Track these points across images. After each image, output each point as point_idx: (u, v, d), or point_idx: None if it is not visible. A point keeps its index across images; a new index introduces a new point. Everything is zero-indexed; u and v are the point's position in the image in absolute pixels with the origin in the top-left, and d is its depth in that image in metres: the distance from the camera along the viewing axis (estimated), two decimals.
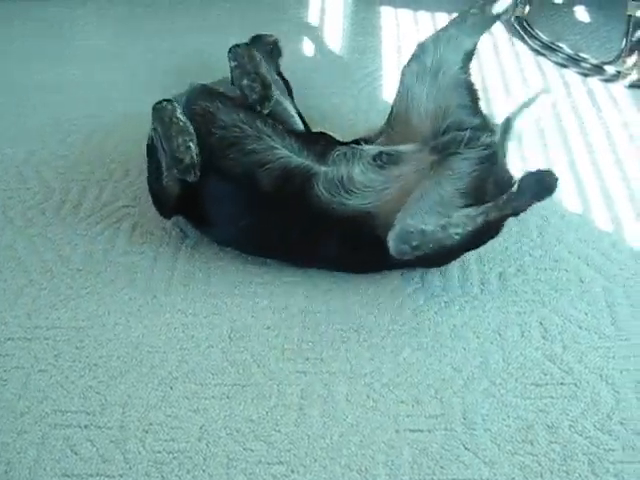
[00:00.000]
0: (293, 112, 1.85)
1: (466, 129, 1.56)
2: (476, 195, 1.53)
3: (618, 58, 2.15)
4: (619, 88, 2.15)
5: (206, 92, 1.76)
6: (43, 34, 2.58)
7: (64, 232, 1.79)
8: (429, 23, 2.51)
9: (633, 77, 2.13)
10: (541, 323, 1.54)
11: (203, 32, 2.52)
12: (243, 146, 1.65)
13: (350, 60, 2.36)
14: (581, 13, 2.50)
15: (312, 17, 2.60)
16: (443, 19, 2.48)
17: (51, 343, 1.53)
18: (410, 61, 1.70)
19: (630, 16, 2.08)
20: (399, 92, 1.70)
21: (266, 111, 1.72)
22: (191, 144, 1.62)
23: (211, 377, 1.47)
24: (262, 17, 2.59)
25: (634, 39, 2.09)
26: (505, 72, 2.25)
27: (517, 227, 1.73)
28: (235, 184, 1.64)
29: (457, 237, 1.48)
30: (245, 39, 1.93)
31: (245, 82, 1.73)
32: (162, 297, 1.62)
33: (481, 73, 2.24)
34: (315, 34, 2.50)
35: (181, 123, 1.65)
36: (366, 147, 1.63)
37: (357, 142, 1.68)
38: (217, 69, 1.92)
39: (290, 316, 1.57)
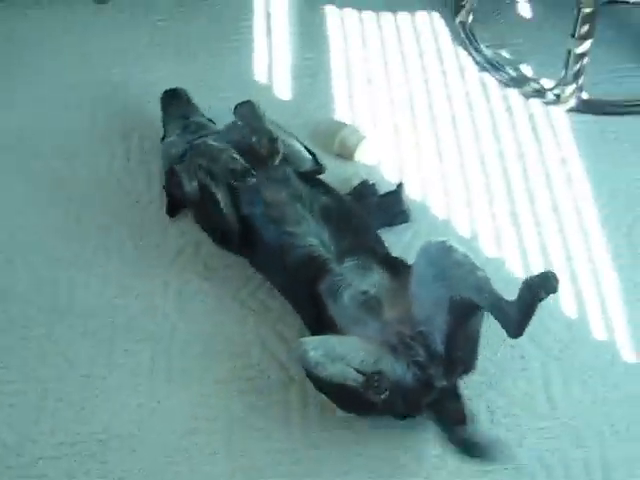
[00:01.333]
0: (300, 148, 2.02)
1: (431, 351, 1.70)
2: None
3: (558, 84, 2.29)
4: (559, 112, 2.31)
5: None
6: None
7: (65, 331, 1.99)
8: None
9: (571, 104, 2.29)
10: (488, 407, 1.82)
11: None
12: (282, 227, 1.88)
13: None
14: (523, 7, 2.57)
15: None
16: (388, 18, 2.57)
17: (78, 459, 1.78)
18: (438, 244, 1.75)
19: (569, 51, 2.20)
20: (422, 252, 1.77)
21: (276, 163, 1.91)
22: (234, 154, 1.91)
23: None
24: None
25: (573, 71, 2.23)
26: (451, 96, 2.38)
27: None
28: (268, 254, 1.92)
29: None
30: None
31: (254, 139, 1.92)
32: (165, 401, 1.86)
33: (427, 93, 2.39)
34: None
35: (214, 147, 1.94)
36: (368, 279, 1.80)
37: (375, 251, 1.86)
38: None
39: (278, 416, 1.83)
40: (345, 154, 2.23)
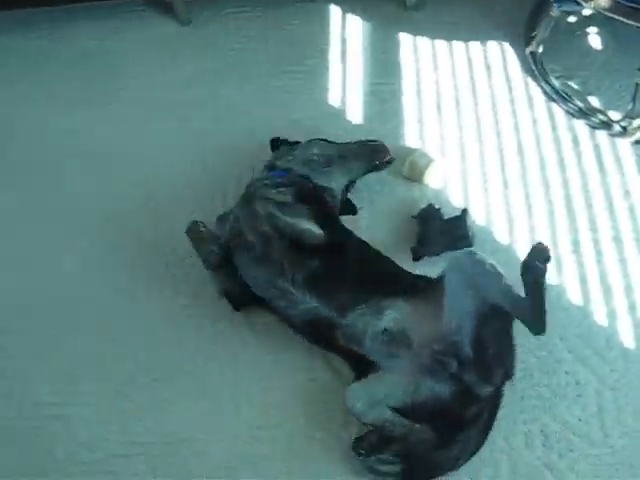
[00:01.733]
0: (306, 224, 2.00)
1: (461, 358, 1.78)
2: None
3: (625, 117, 2.32)
4: (625, 144, 2.34)
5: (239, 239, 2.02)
6: None
7: (139, 335, 2.11)
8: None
9: (637, 136, 2.32)
10: (542, 431, 1.87)
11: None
12: (273, 302, 1.98)
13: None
14: (593, 38, 2.60)
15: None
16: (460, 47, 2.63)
17: (146, 459, 1.90)
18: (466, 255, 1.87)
19: (637, 84, 2.24)
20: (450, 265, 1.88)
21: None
22: (214, 249, 2.01)
23: None
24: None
25: None
26: (519, 125, 2.43)
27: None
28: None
29: None
30: None
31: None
32: (230, 408, 1.96)
33: (496, 122, 2.45)
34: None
35: (203, 235, 2.04)
36: (383, 319, 1.86)
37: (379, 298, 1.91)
38: None
39: (337, 427, 1.91)
40: (414, 176, 2.31)
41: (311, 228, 1.99)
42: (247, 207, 2.03)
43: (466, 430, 1.80)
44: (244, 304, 2.09)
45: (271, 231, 1.96)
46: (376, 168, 2.23)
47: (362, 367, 1.87)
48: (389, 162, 2.23)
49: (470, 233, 2.15)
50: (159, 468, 1.89)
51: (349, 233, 2.07)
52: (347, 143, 2.23)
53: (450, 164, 2.36)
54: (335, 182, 2.17)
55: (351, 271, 1.95)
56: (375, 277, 1.96)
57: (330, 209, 2.12)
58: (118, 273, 2.23)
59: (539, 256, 1.76)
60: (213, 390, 2.00)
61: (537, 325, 1.81)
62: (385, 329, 1.85)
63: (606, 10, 2.06)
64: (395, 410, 1.79)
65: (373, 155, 2.22)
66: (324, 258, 1.96)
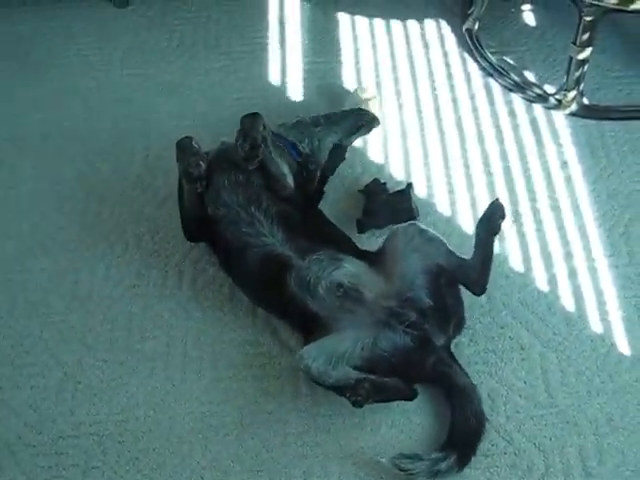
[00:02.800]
0: (286, 171, 2.07)
1: (420, 308, 1.84)
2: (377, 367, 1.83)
3: (560, 90, 2.37)
4: (560, 116, 2.39)
5: (223, 159, 2.05)
6: None
7: (84, 317, 2.08)
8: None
9: (572, 108, 2.38)
10: (489, 395, 1.91)
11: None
12: (239, 227, 1.98)
13: None
14: (527, 15, 2.66)
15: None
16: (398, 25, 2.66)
17: (96, 439, 1.88)
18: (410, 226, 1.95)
19: (571, 58, 2.29)
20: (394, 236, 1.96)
21: (251, 167, 2.00)
22: (201, 162, 1.98)
23: (231, 465, 1.84)
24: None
25: (574, 77, 2.32)
26: (457, 100, 2.47)
27: (468, 293, 2.05)
28: (232, 253, 2.01)
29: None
30: None
31: (239, 142, 1.99)
32: (180, 385, 1.96)
33: (434, 97, 2.49)
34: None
35: (194, 149, 1.99)
36: (339, 270, 1.89)
37: (342, 248, 1.95)
38: None
39: (287, 400, 1.93)
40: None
41: (287, 177, 2.05)
42: (244, 134, 1.99)
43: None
44: (198, 237, 2.11)
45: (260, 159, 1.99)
46: (362, 129, 2.30)
47: (309, 329, 1.89)
48: (374, 122, 2.30)
49: (414, 207, 2.18)
50: (109, 447, 1.87)
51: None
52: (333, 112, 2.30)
53: (390, 140, 2.39)
54: (322, 142, 2.21)
55: (313, 225, 2.02)
56: (333, 236, 2.02)
57: (310, 176, 2.16)
58: (61, 256, 2.20)
59: (496, 212, 1.86)
60: (161, 368, 1.99)
61: (480, 284, 1.90)
62: (341, 283, 1.87)
63: None
64: (357, 368, 1.81)
65: (359, 117, 2.29)
66: (295, 205, 2.02)
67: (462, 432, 1.82)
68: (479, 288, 1.92)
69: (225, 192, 2.01)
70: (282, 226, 1.97)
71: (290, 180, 2.06)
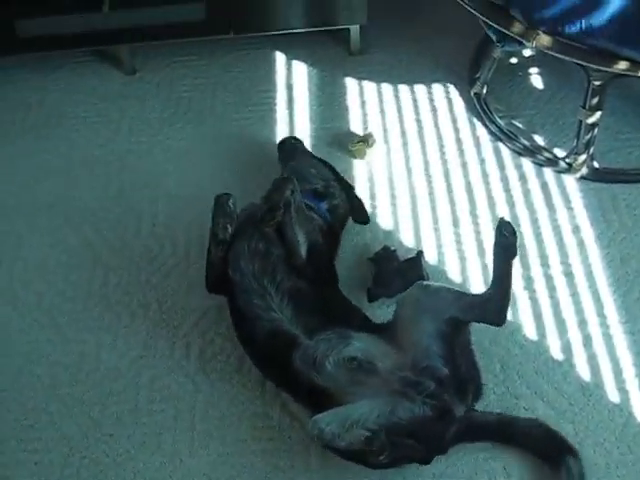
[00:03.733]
0: (302, 240, 2.02)
1: (438, 377, 1.79)
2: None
3: (570, 153, 2.36)
4: (571, 180, 2.38)
5: (249, 223, 2.04)
6: None
7: (91, 390, 2.05)
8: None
9: (583, 172, 2.36)
10: (505, 468, 1.86)
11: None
12: (251, 297, 1.95)
13: None
14: (535, 79, 2.67)
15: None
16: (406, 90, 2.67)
17: None
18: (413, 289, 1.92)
19: (580, 121, 2.29)
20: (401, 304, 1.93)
21: (267, 229, 1.99)
22: (229, 226, 2.00)
23: None
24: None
25: (584, 141, 2.31)
26: (467, 165, 2.46)
27: (482, 361, 2.00)
28: (243, 321, 1.98)
29: None
30: None
31: (261, 201, 2.02)
32: (187, 460, 1.91)
33: (443, 162, 2.48)
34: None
35: (228, 209, 2.01)
36: (349, 347, 1.84)
37: (352, 327, 1.90)
38: None
39: (298, 475, 1.87)
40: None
41: (302, 246, 2.01)
42: (267, 195, 2.00)
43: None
44: (217, 291, 2.07)
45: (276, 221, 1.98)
46: None
47: (319, 403, 1.82)
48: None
49: (425, 274, 2.15)
50: None
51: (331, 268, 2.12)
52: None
53: (400, 206, 2.38)
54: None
55: (325, 301, 1.97)
56: (344, 311, 1.98)
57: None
58: (67, 326, 2.17)
59: (505, 229, 1.80)
60: (169, 443, 1.94)
61: (500, 314, 1.84)
62: (354, 357, 1.82)
63: (547, 49, 2.10)
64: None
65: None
66: (309, 279, 1.98)
67: None
68: (499, 318, 1.85)
69: (243, 259, 1.98)
70: (292, 303, 1.93)
71: (303, 250, 2.01)
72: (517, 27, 2.14)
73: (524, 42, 2.14)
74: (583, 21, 2.01)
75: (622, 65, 2.05)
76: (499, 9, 2.18)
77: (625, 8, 1.99)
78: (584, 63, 2.12)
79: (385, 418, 1.75)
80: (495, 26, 2.23)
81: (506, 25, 2.17)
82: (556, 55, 2.12)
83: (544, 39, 2.09)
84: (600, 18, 2.00)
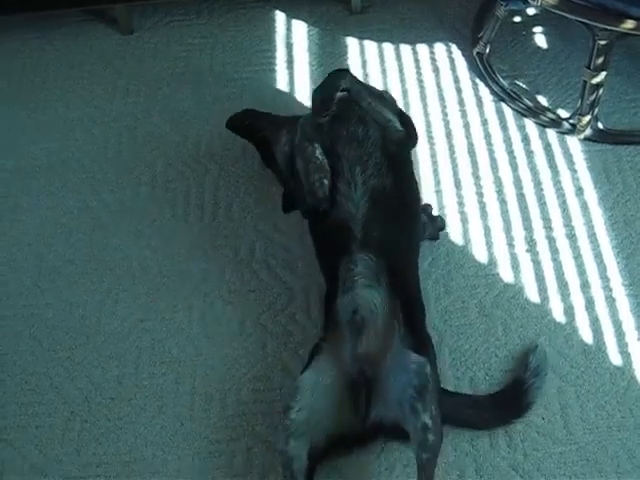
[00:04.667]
0: (391, 117, 2.02)
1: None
2: None
3: (574, 114, 2.33)
4: (574, 141, 2.35)
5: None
6: None
7: (91, 354, 2.04)
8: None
9: (587, 133, 2.33)
10: (506, 432, 1.85)
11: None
12: (338, 180, 1.92)
13: None
14: (539, 38, 2.62)
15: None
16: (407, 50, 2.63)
17: None
18: None
19: (585, 81, 2.25)
20: None
21: (320, 121, 1.96)
22: (325, 181, 1.90)
23: None
24: None
25: (588, 101, 2.27)
26: (469, 126, 2.43)
27: (484, 324, 2.00)
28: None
29: None
30: None
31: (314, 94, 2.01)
32: (188, 424, 1.91)
33: (446, 122, 2.44)
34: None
35: (318, 162, 1.93)
36: (367, 292, 1.81)
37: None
38: None
39: None
40: None
41: (395, 122, 2.00)
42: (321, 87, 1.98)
43: None
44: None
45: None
46: None
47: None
48: None
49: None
50: None
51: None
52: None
53: None
54: None
55: (400, 212, 1.95)
56: (399, 250, 1.94)
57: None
58: (67, 290, 2.16)
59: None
60: (170, 406, 1.94)
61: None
62: (356, 308, 1.79)
63: (552, 7, 2.06)
64: None
65: None
66: (396, 172, 1.95)
67: None
68: None
69: (340, 144, 1.94)
70: (370, 202, 1.89)
71: (398, 124, 2.00)
72: None
73: (529, 0, 2.10)
74: None
75: (629, 24, 2.02)
76: None
77: None
78: (590, 22, 2.08)
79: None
80: None
81: None
82: (561, 14, 2.08)
83: None
84: None
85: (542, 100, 2.45)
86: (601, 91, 2.27)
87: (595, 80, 2.24)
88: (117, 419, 1.93)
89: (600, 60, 2.19)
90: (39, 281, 2.19)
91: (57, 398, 1.97)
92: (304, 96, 2.51)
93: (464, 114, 2.46)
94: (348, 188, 1.90)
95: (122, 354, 2.03)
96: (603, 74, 2.23)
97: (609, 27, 2.06)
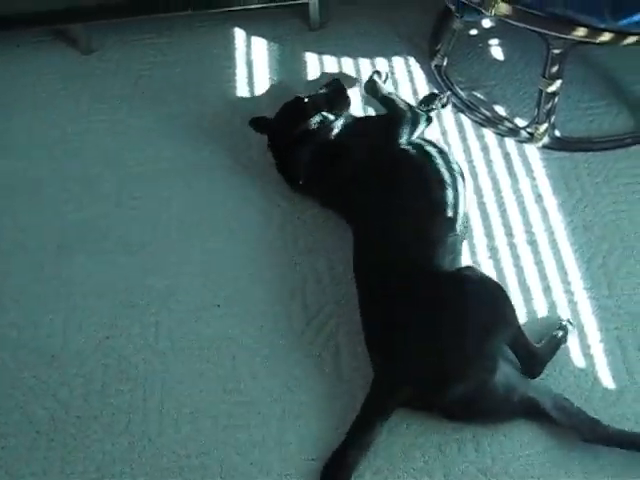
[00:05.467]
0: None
1: None
2: None
3: (532, 123, 2.37)
4: (532, 150, 2.39)
5: None
6: None
7: (56, 372, 2.02)
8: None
9: (544, 141, 2.37)
10: (474, 436, 1.87)
11: None
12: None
13: None
14: (495, 50, 2.67)
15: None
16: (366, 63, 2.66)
17: None
18: None
19: (541, 90, 2.29)
20: None
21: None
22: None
23: None
24: None
25: (545, 110, 2.32)
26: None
27: None
28: None
29: None
30: None
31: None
32: (156, 440, 1.90)
33: None
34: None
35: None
36: None
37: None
38: None
39: (271, 449, 1.87)
40: None
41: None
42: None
43: None
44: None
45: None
46: None
47: None
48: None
49: None
50: None
51: None
52: None
53: None
54: None
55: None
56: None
57: None
58: (31, 309, 2.15)
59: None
60: (137, 422, 1.93)
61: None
62: None
63: (506, 17, 2.10)
64: None
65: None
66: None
67: None
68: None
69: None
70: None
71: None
72: None
73: (483, 11, 2.14)
74: None
75: (581, 32, 2.06)
76: None
77: None
78: (543, 31, 2.12)
79: None
80: None
81: None
82: (515, 24, 2.12)
83: (503, 7, 2.08)
84: None
85: (500, 110, 2.49)
86: (557, 99, 2.31)
87: (551, 88, 2.28)
88: (84, 437, 1.92)
89: (555, 68, 2.24)
90: (3, 300, 2.17)
91: (22, 418, 1.96)
92: (265, 110, 2.52)
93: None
94: None
95: (88, 371, 2.02)
96: (558, 82, 2.27)
97: (561, 35, 2.10)
